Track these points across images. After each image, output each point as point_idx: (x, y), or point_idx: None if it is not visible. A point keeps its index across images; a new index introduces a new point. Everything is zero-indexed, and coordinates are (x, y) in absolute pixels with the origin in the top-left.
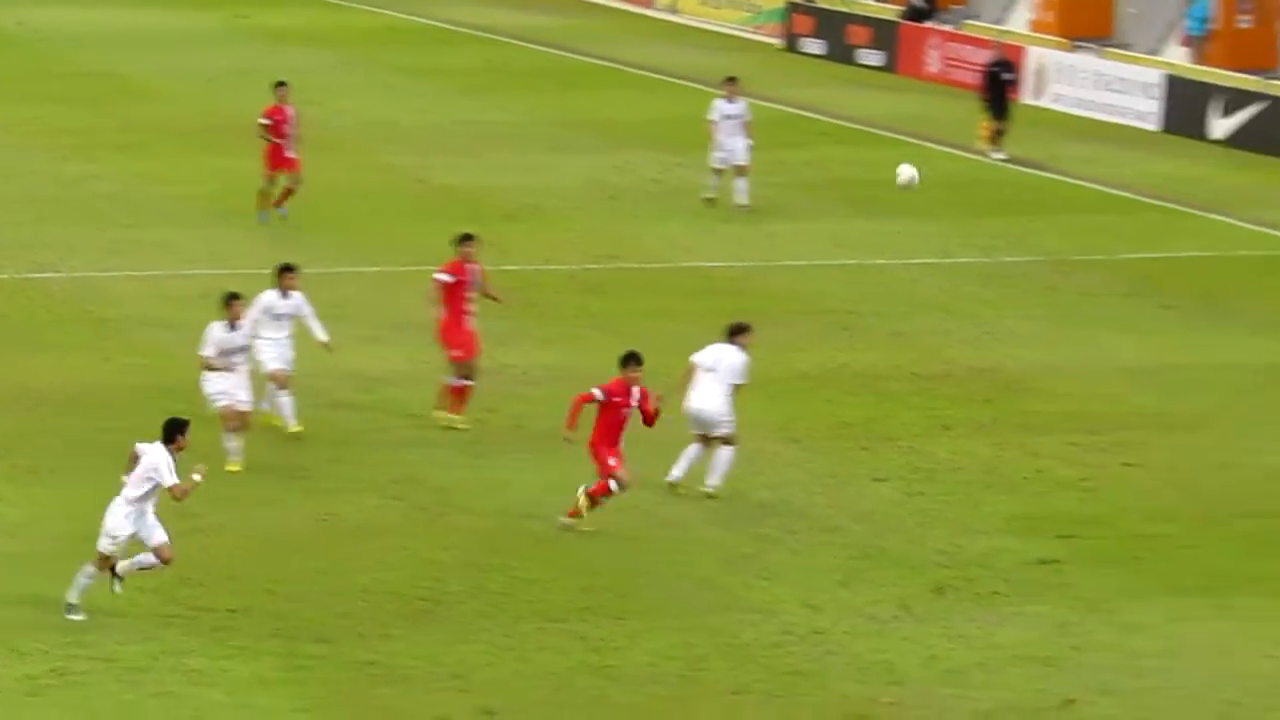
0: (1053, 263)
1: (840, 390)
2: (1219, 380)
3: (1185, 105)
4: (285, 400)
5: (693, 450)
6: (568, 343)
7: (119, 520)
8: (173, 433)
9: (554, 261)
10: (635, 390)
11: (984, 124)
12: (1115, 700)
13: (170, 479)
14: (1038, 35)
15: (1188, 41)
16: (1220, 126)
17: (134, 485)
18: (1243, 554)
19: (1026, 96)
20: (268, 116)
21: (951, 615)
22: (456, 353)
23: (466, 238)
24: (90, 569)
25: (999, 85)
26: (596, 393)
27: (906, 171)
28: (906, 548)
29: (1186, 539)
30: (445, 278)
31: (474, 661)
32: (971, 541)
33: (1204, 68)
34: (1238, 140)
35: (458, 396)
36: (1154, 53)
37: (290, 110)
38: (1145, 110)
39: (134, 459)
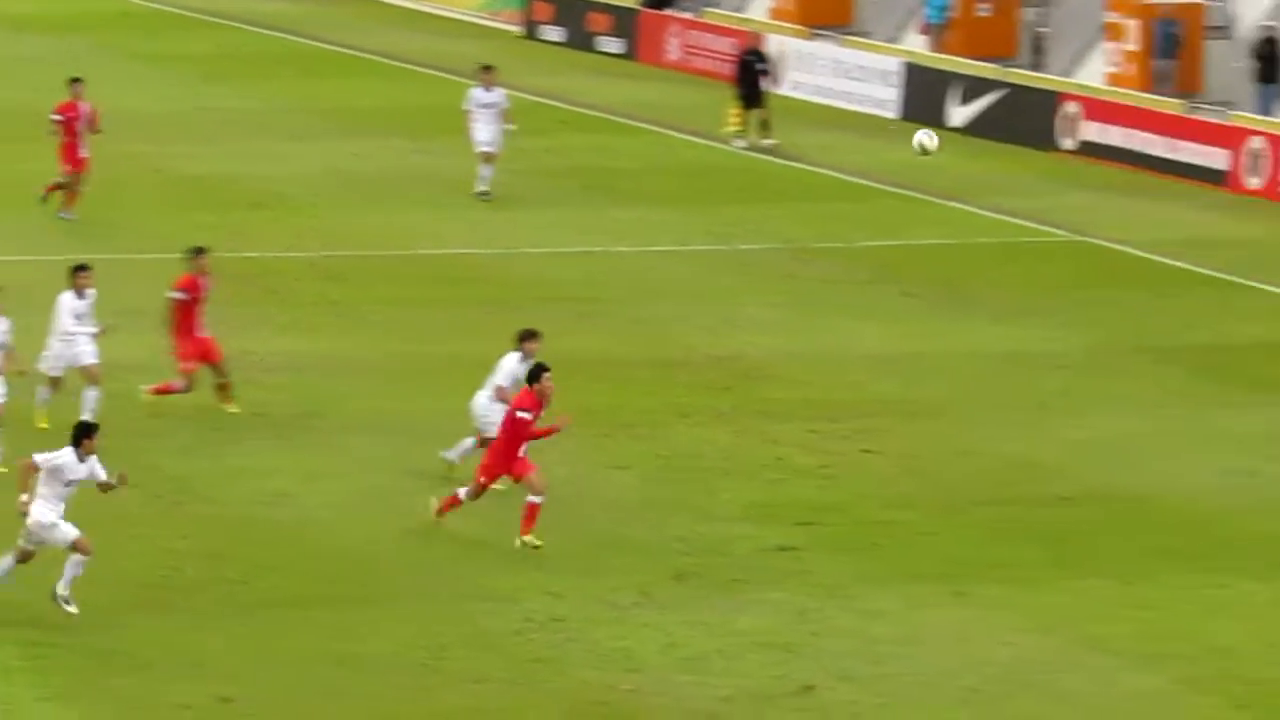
0: (792, 250)
1: (581, 378)
2: (959, 368)
3: (924, 93)
4: (44, 398)
5: (468, 442)
6: (308, 330)
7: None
8: (80, 436)
9: (295, 249)
10: (547, 400)
11: (734, 112)
12: (854, 686)
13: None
14: (777, 23)
15: (926, 29)
16: (959, 114)
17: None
18: (981, 541)
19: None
20: (59, 112)
21: (691, 602)
22: (188, 365)
23: (199, 251)
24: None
25: (751, 75)
26: (525, 415)
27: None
28: (647, 535)
29: (925, 526)
30: (179, 295)
31: (212, 649)
32: (711, 529)
33: (943, 55)
34: (976, 128)
35: (222, 390)
36: (893, 41)
37: (85, 107)
38: (884, 98)
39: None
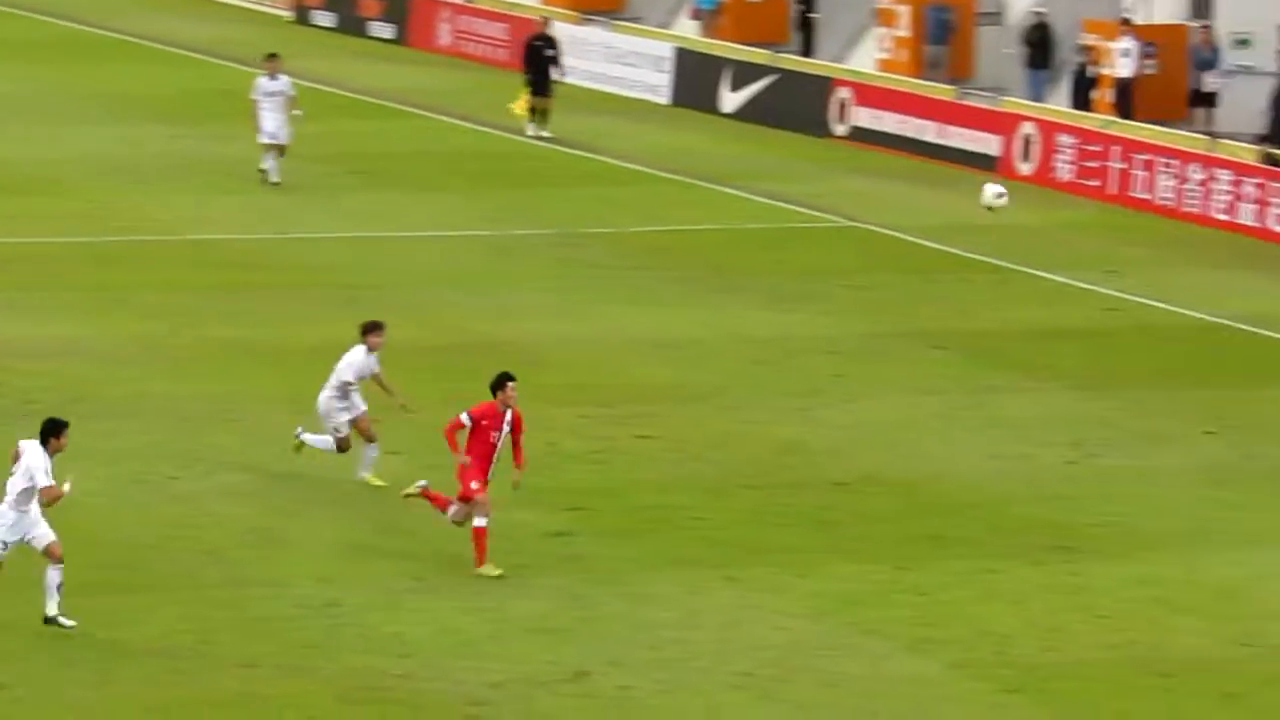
0: (564, 235)
1: None
2: (731, 353)
3: (695, 78)
4: None
5: (326, 442)
6: (80, 314)
7: (5, 525)
8: (48, 434)
9: (66, 234)
10: (509, 414)
11: (523, 99)
12: (627, 671)
13: (44, 480)
14: (549, 8)
15: (697, 15)
16: (730, 100)
17: (18, 485)
18: (754, 526)
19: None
20: None
21: (464, 588)
22: None
23: None
24: None
25: (541, 61)
26: (464, 419)
27: (993, 194)
28: (420, 521)
29: (698, 511)
30: None
31: None
32: None
33: (714, 41)
34: (748, 114)
35: None
36: (664, 26)
37: None
38: (656, 83)
39: (16, 456)
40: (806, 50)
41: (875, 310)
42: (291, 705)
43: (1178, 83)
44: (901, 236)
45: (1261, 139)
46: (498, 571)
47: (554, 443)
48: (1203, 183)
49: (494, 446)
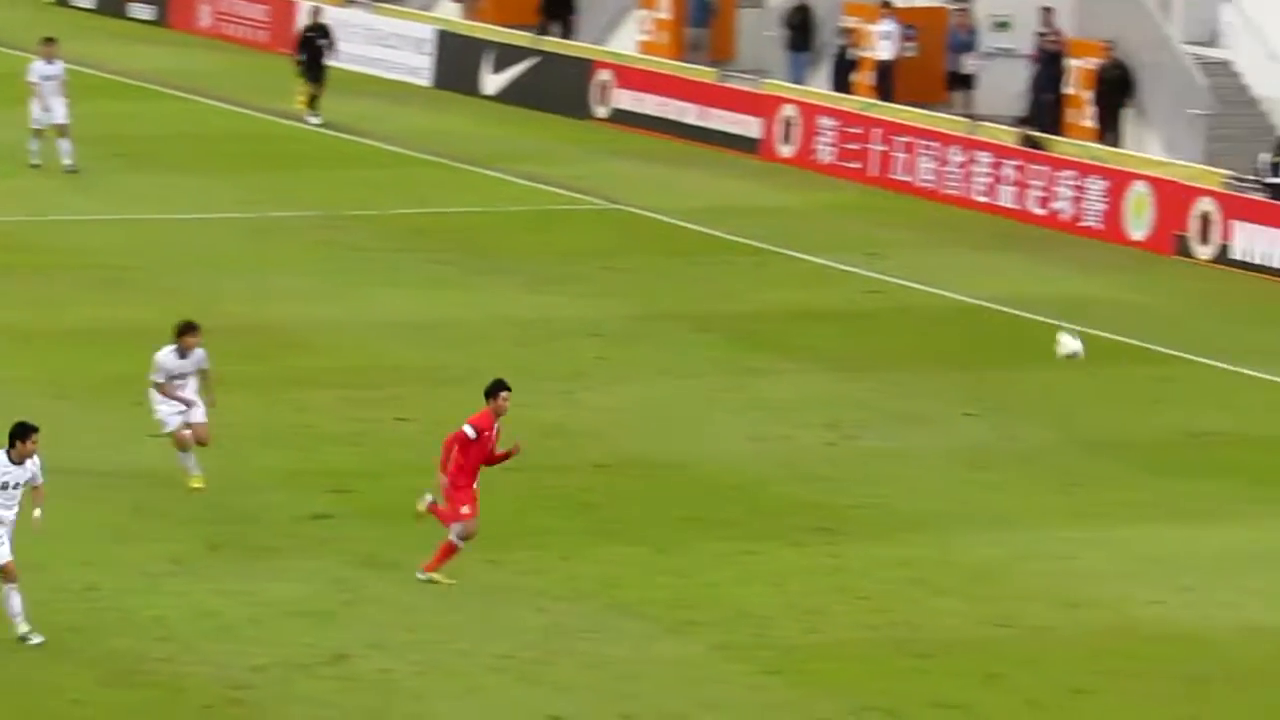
0: (324, 218)
1: (110, 345)
2: (491, 335)
3: (457, 61)
4: None
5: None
6: None
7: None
8: (13, 438)
9: None
10: (498, 422)
11: (301, 89)
12: (388, 654)
13: None
14: None
15: None
16: (492, 82)
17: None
18: (514, 509)
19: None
20: None
21: (224, 571)
22: None
23: None
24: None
25: (315, 50)
26: (469, 431)
27: (1070, 346)
28: (179, 504)
29: None
30: None
31: None
32: (244, 497)
33: (476, 23)
34: (509, 96)
35: None
36: (426, 8)
37: None
38: (417, 65)
39: None
40: (567, 33)
41: (637, 293)
42: (54, 689)
43: (938, 65)
44: (663, 219)
45: (1020, 121)
46: (450, 581)
47: (314, 425)
48: (963, 165)
49: (486, 455)
